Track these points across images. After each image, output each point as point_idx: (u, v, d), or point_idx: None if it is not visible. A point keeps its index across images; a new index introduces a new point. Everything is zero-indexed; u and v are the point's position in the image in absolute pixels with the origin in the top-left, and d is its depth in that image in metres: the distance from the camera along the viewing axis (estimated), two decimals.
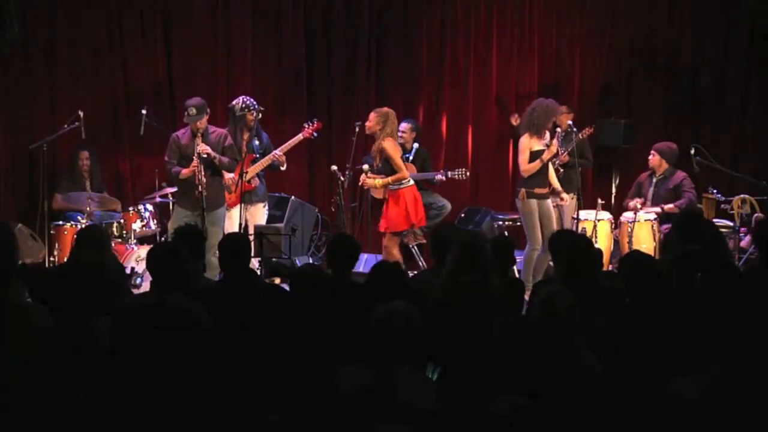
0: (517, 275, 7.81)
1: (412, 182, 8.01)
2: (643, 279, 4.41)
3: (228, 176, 8.03)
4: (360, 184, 8.20)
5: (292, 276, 4.99)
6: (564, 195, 8.32)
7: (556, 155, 8.23)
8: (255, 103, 8.35)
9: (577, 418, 3.53)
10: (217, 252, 7.43)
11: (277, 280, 8.41)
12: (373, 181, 7.96)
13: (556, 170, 8.40)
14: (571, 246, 4.92)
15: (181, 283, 4.54)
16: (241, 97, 8.38)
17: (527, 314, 4.12)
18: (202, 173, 7.56)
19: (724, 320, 4.00)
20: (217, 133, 7.84)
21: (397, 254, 7.91)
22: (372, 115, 7.94)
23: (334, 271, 5.18)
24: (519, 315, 4.31)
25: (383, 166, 7.92)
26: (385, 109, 8.01)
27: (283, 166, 8.47)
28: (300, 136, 8.55)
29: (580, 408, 3.56)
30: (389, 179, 7.87)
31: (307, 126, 8.60)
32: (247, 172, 8.16)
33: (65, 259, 7.58)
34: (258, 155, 8.39)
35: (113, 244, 8.00)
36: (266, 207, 8.61)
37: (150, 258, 4.76)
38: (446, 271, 4.85)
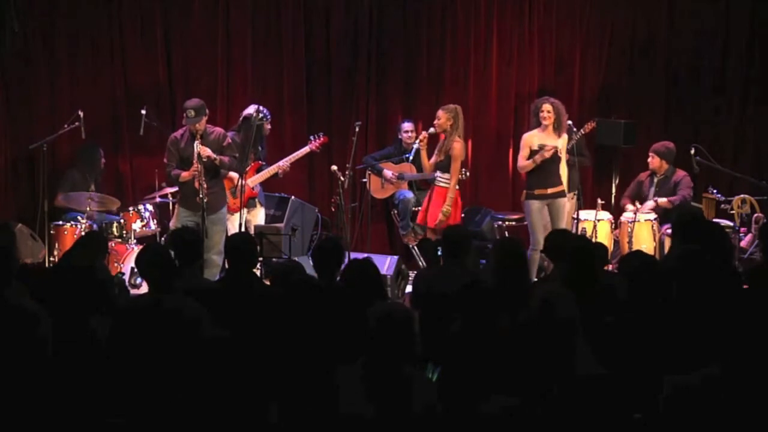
0: None
1: (458, 187, 8.01)
2: (645, 279, 4.40)
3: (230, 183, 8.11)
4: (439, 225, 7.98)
5: (274, 275, 4.99)
6: (565, 200, 8.21)
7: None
8: (268, 111, 8.43)
9: (574, 418, 3.52)
10: (218, 250, 7.58)
11: None
12: (446, 210, 7.86)
13: None
14: (578, 247, 4.91)
15: (173, 284, 4.55)
16: (254, 106, 8.42)
17: (526, 314, 4.10)
18: (203, 176, 7.53)
19: (723, 320, 4.00)
20: (216, 133, 7.83)
21: None
22: (441, 113, 7.92)
23: (321, 276, 5.16)
24: (518, 315, 4.29)
25: (445, 163, 7.91)
26: (452, 105, 8.01)
27: (281, 175, 8.58)
28: (306, 149, 8.63)
29: (578, 408, 3.56)
30: (453, 195, 7.86)
31: (313, 139, 8.65)
32: (247, 172, 8.19)
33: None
34: (264, 162, 8.45)
35: (113, 244, 8.01)
36: (263, 209, 8.72)
37: (138, 262, 4.76)
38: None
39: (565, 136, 8.07)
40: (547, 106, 8.03)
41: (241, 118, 8.45)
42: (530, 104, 9.72)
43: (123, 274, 7.72)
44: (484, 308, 4.23)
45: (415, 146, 8.32)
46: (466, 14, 9.77)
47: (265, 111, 8.42)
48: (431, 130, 8.03)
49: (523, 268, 5.15)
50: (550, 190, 8.03)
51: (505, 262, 5.05)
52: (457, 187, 7.98)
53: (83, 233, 7.86)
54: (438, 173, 7.99)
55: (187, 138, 7.74)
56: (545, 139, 7.97)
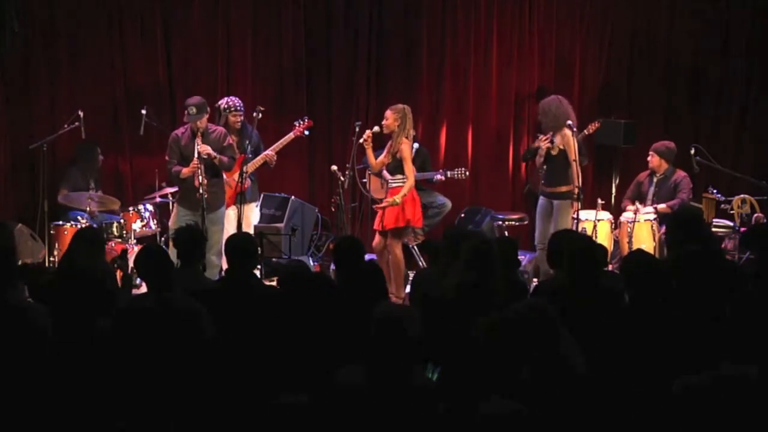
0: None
1: (413, 184, 7.96)
2: (646, 279, 4.40)
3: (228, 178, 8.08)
4: (377, 207, 7.99)
5: (279, 275, 4.98)
6: (565, 202, 8.13)
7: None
8: (239, 104, 8.37)
9: (565, 419, 3.52)
10: (217, 250, 7.58)
11: None
12: (392, 199, 7.79)
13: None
14: (577, 248, 4.90)
15: (172, 284, 4.54)
16: (225, 98, 8.44)
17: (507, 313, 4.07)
18: (203, 174, 7.55)
19: (725, 320, 4.00)
20: (216, 132, 7.84)
21: (399, 253, 7.88)
22: (389, 113, 7.83)
23: (340, 275, 5.16)
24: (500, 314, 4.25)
25: (394, 165, 7.86)
26: (401, 105, 7.92)
27: (272, 164, 8.50)
28: (291, 135, 8.56)
29: (569, 409, 3.55)
30: (406, 191, 7.77)
31: (297, 124, 8.60)
32: (247, 171, 8.17)
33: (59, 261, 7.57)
34: (249, 155, 8.38)
35: (113, 244, 8.01)
36: (258, 206, 8.70)
37: (137, 262, 4.76)
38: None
39: (566, 133, 8.05)
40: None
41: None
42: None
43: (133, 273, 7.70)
44: (483, 308, 4.23)
45: (416, 145, 8.31)
46: (466, 14, 9.77)
47: (231, 103, 8.36)
48: (376, 128, 7.96)
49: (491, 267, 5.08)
50: (548, 189, 8.16)
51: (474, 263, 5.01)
52: (412, 184, 7.88)
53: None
54: (389, 177, 7.93)
55: (188, 136, 7.76)
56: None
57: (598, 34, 9.85)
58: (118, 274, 6.81)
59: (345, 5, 9.70)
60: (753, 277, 5.17)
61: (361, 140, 7.94)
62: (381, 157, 7.98)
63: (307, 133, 8.66)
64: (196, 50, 9.57)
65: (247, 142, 8.36)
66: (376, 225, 8.01)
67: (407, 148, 7.78)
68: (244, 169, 8.06)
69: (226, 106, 8.37)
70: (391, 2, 9.75)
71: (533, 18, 9.81)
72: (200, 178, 7.53)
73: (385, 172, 8.74)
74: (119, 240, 8.24)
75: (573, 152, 8.01)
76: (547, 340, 3.72)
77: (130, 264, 7.48)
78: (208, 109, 7.80)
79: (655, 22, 9.80)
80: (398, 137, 7.78)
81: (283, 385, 3.99)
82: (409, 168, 7.80)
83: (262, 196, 9.06)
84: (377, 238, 7.97)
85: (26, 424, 3.79)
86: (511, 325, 3.77)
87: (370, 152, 7.95)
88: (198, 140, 7.58)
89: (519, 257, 5.97)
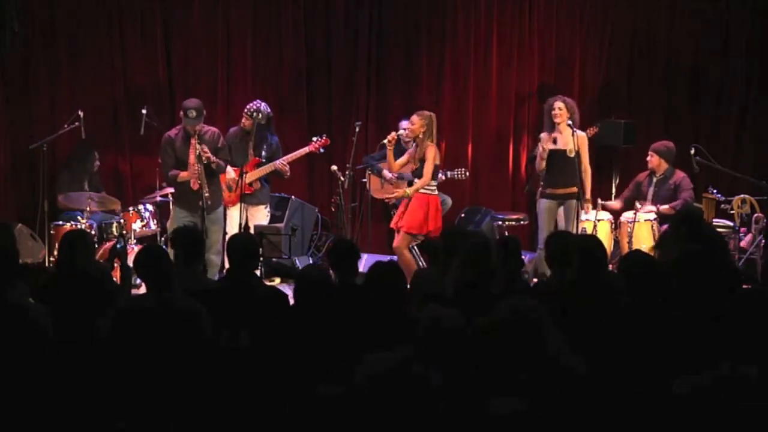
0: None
1: (437, 192, 7.96)
2: (645, 279, 4.40)
3: (230, 176, 8.04)
4: (388, 198, 8.01)
5: (295, 278, 4.95)
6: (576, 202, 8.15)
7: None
8: (252, 107, 8.33)
9: (565, 419, 3.52)
10: (217, 249, 7.59)
11: (277, 281, 8.42)
12: (403, 191, 7.86)
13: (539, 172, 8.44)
14: (585, 247, 4.91)
15: (171, 284, 4.54)
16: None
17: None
18: (203, 176, 7.52)
19: (724, 320, 4.00)
20: (210, 132, 7.82)
21: (408, 255, 7.88)
22: (415, 119, 7.83)
23: (340, 275, 5.17)
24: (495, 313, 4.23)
25: (421, 170, 7.84)
26: (427, 112, 7.94)
27: (286, 175, 8.46)
28: (306, 150, 8.55)
29: (569, 409, 3.55)
30: (418, 186, 7.79)
31: (315, 140, 8.59)
32: (247, 172, 8.16)
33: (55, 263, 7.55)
34: (264, 160, 8.36)
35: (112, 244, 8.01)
36: (268, 209, 8.61)
37: (136, 263, 4.75)
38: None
39: (581, 134, 8.09)
40: (558, 104, 8.11)
41: None
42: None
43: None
44: (480, 307, 4.23)
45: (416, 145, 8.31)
46: (466, 14, 9.78)
47: (251, 105, 8.38)
48: (401, 132, 8.00)
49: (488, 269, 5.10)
50: (559, 191, 8.15)
51: (473, 262, 5.02)
52: (436, 192, 7.91)
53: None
54: (416, 180, 7.93)
55: (181, 137, 7.73)
56: (558, 137, 8.04)
57: (598, 34, 9.85)
58: (116, 262, 6.81)
59: (345, 5, 9.70)
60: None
61: (384, 141, 8.01)
62: (401, 159, 8.01)
63: (322, 150, 8.65)
64: (196, 50, 9.58)
65: (265, 146, 8.35)
66: (393, 224, 8.03)
67: (433, 150, 7.80)
68: (244, 170, 8.04)
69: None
70: (391, 2, 9.75)
71: (533, 18, 9.81)
72: (202, 181, 7.50)
73: (386, 173, 8.79)
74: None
75: (586, 157, 8.12)
76: (530, 339, 3.71)
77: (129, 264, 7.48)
78: (205, 111, 7.78)
79: (655, 22, 9.80)
80: (423, 143, 7.80)
81: (282, 385, 4.00)
82: (429, 170, 7.80)
83: None
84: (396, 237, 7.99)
85: (26, 424, 3.79)
86: (497, 325, 3.77)
87: (390, 154, 7.98)
88: (197, 143, 7.53)
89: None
